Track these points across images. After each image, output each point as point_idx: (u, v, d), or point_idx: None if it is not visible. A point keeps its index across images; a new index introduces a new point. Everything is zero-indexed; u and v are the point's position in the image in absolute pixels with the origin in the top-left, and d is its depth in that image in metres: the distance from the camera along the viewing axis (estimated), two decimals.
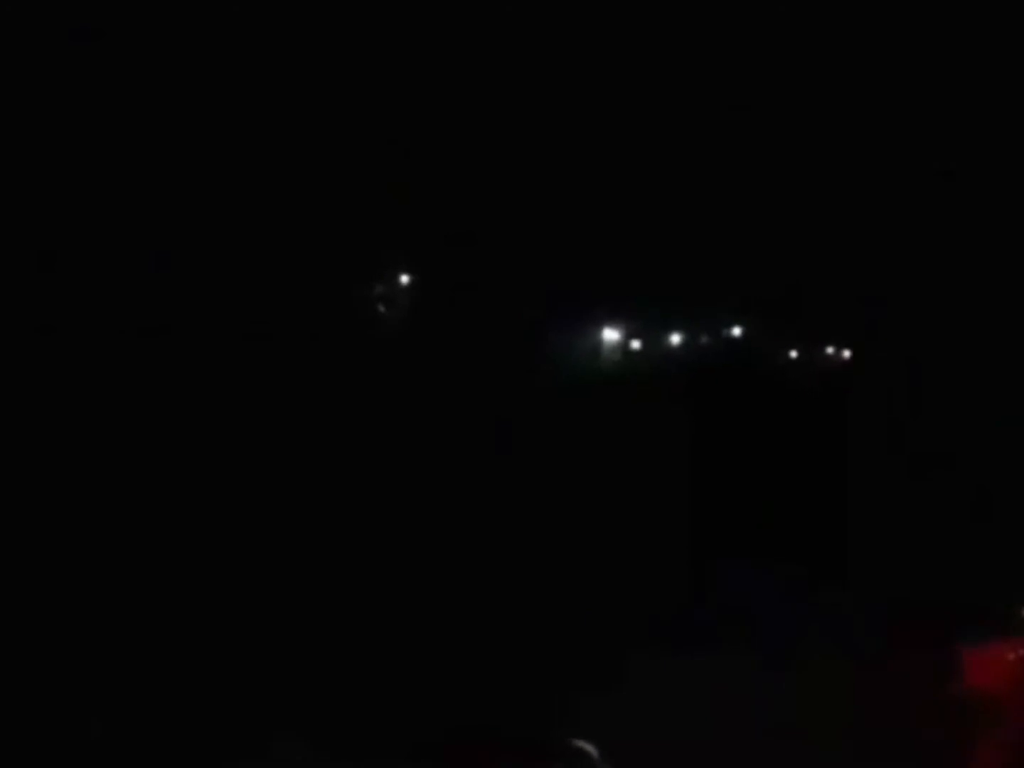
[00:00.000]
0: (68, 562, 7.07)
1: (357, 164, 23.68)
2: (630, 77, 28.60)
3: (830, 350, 52.10)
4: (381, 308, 27.42)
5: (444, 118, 25.49)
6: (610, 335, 38.99)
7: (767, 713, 5.99)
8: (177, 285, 19.35)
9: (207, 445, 11.32)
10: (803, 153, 30.83)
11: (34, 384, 12.25)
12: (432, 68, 25.05)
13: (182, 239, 20.29)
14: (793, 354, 45.94)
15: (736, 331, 45.36)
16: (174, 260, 19.78)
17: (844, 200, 31.65)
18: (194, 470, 10.18)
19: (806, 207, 33.55)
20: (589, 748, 2.16)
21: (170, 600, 6.43)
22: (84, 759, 4.64)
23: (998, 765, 1.62)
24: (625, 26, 28.16)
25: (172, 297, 19.12)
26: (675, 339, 42.80)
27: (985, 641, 1.86)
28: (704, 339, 43.48)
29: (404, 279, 28.48)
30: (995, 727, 1.67)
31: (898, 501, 11.10)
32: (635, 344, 40.70)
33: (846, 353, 52.15)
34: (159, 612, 6.31)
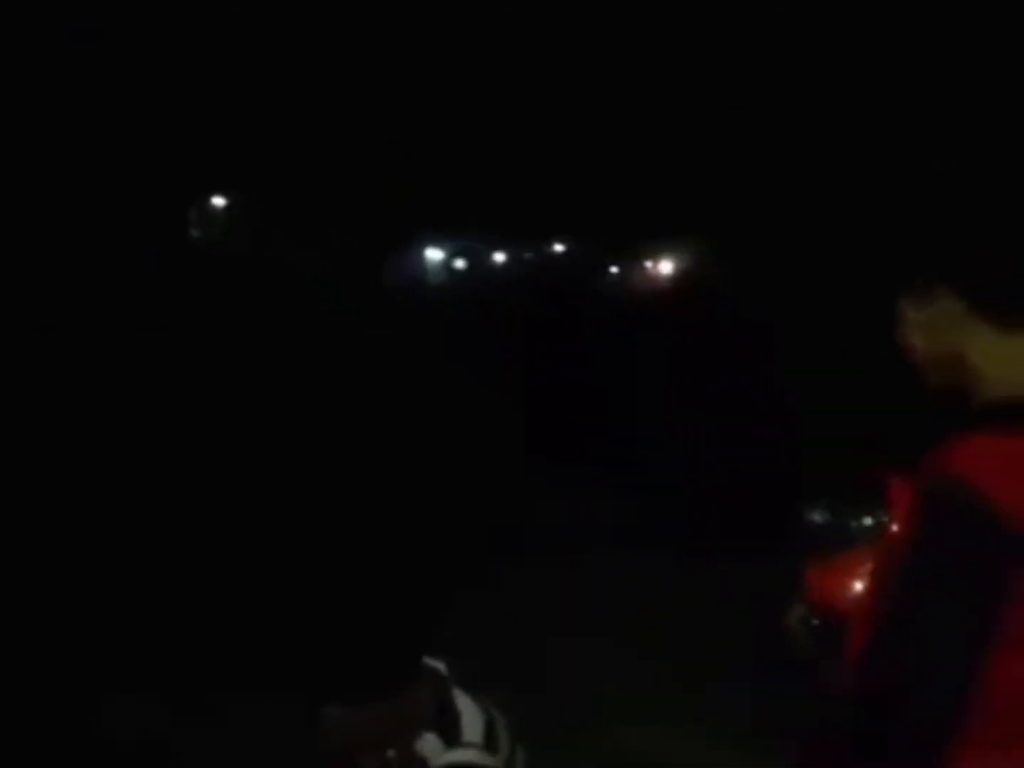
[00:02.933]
0: None
1: (162, 80, 22.68)
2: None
3: (648, 264, 53.21)
4: (194, 233, 26.52)
5: (247, 31, 24.59)
6: (433, 254, 38.76)
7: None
8: None
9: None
10: (614, 70, 31.00)
11: None
12: None
13: None
14: (614, 270, 46.72)
15: (559, 247, 45.78)
16: None
17: (661, 116, 32.03)
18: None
19: (623, 123, 33.88)
20: (439, 665, 2.15)
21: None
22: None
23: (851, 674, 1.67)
24: None
25: None
26: (499, 257, 42.91)
27: (829, 557, 1.91)
28: (528, 256, 43.73)
29: (218, 201, 27.63)
30: (844, 645, 1.71)
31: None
32: (459, 263, 40.62)
33: (665, 267, 53.42)
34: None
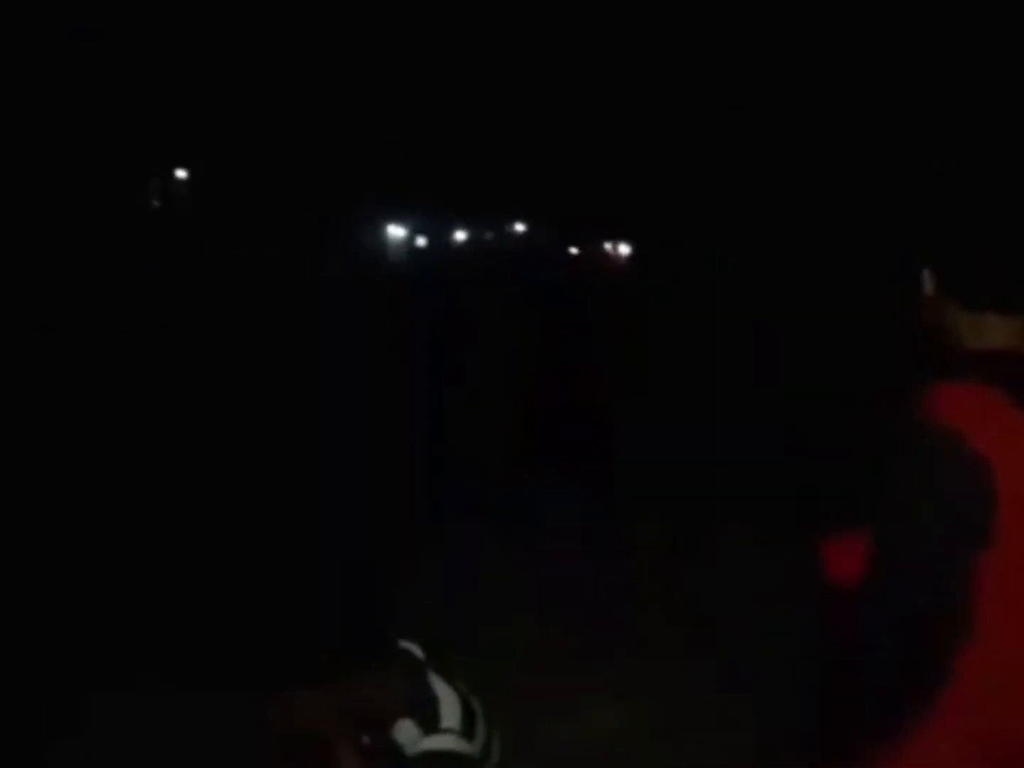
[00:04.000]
0: None
1: (127, 53, 22.37)
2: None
3: (608, 246, 53.23)
4: (156, 203, 26.24)
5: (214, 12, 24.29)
6: (395, 232, 38.44)
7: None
8: None
9: None
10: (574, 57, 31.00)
11: None
12: None
13: None
14: (574, 250, 46.69)
15: (519, 227, 45.68)
16: None
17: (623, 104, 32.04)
18: None
19: (587, 105, 33.85)
20: (414, 649, 2.14)
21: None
22: None
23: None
24: None
25: None
26: (460, 236, 42.72)
27: (845, 534, 2.03)
28: (489, 236, 43.59)
29: (181, 173, 27.29)
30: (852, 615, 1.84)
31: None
32: (420, 241, 40.34)
33: (623, 249, 53.44)
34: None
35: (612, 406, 11.40)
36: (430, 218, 39.07)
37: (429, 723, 2.36)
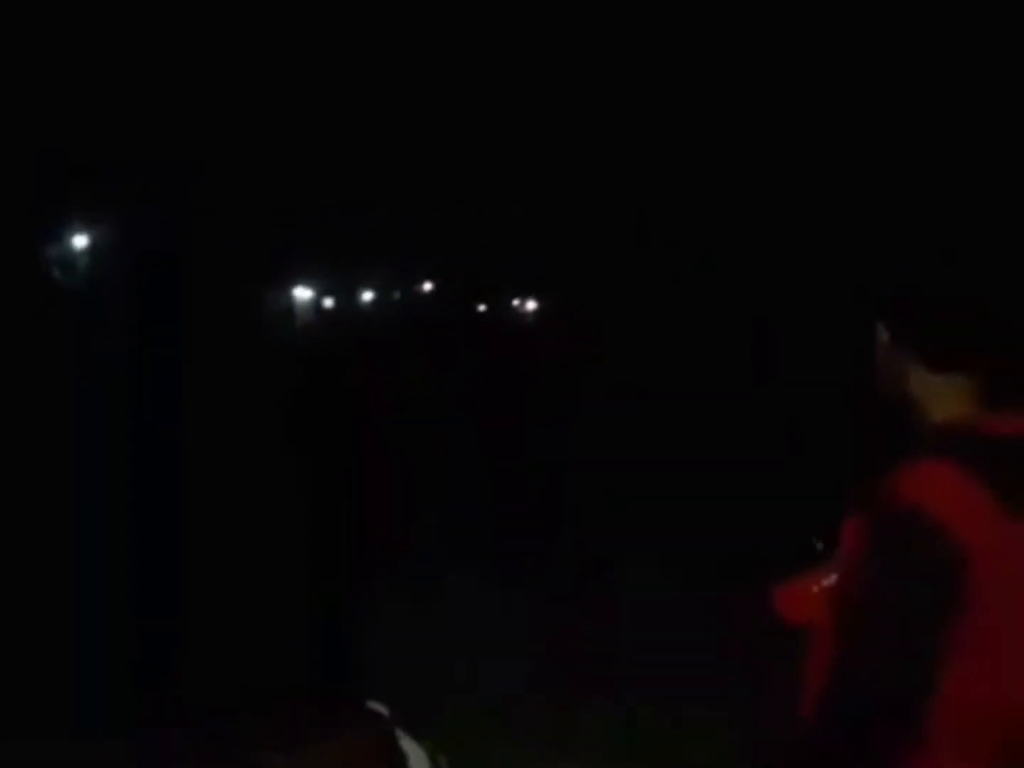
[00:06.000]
0: None
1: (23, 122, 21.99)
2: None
3: (516, 302, 53.62)
4: (56, 273, 25.71)
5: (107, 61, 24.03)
6: (302, 294, 38.23)
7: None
8: None
9: None
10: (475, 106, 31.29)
11: None
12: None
13: None
14: (482, 308, 46.95)
15: (427, 286, 45.83)
16: None
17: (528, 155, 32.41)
18: None
19: (489, 161, 34.17)
20: (381, 709, 2.11)
21: None
22: None
23: (811, 690, 1.79)
24: None
25: None
26: (367, 296, 42.65)
27: (792, 577, 2.03)
28: (396, 295, 43.62)
29: (80, 241, 26.89)
30: (806, 657, 1.82)
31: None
32: (328, 302, 40.19)
33: (531, 304, 53.87)
34: None
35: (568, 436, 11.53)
36: (337, 278, 38.99)
37: None
